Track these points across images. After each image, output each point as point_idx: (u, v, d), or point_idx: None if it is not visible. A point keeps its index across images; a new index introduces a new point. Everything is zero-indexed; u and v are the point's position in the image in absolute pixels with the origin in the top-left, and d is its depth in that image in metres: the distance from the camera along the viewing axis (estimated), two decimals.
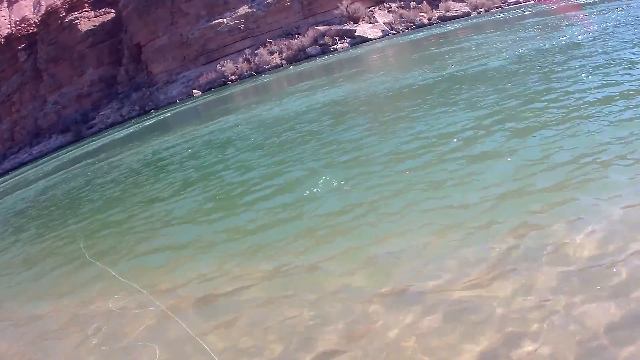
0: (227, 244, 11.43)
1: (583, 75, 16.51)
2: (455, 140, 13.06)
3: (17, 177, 64.05)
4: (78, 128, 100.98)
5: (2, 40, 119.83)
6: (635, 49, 18.27)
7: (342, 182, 12.48)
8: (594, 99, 13.41)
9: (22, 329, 10.89)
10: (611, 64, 16.91)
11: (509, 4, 75.92)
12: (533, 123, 12.56)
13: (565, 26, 31.51)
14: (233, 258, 10.46)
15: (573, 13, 38.79)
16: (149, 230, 14.84)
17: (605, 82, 14.88)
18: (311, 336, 6.98)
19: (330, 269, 8.63)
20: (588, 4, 42.56)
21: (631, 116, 11.09)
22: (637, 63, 16.08)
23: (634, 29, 22.95)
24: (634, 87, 13.25)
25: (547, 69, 18.87)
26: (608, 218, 7.41)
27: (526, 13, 52.20)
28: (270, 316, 7.82)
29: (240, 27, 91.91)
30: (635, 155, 9.05)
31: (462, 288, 6.76)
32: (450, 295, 6.68)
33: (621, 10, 30.88)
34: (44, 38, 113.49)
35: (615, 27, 25.02)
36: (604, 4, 37.62)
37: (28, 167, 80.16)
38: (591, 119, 11.67)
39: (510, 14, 57.08)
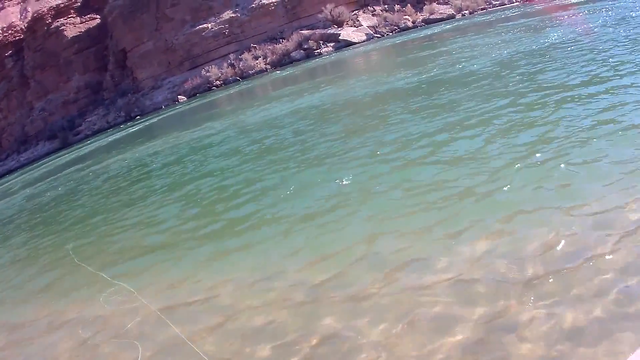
0: (214, 246, 11.75)
1: (563, 76, 16.93)
2: (430, 143, 13.65)
3: (5, 185, 63.93)
4: (65, 134, 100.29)
5: None
6: (620, 49, 18.59)
7: (331, 182, 12.96)
8: (573, 98, 13.99)
9: (6, 332, 11.04)
10: (593, 64, 17.27)
11: (494, 6, 76.53)
12: (513, 124, 13.02)
13: (550, 27, 31.74)
14: (220, 260, 10.84)
15: (558, 14, 38.95)
16: (135, 234, 15.17)
17: (587, 81, 15.40)
18: (300, 340, 7.03)
19: (316, 271, 8.75)
20: (574, 4, 43.22)
21: (614, 116, 11.38)
22: (624, 63, 16.16)
23: (619, 29, 23.18)
24: (618, 85, 13.76)
25: (527, 71, 19.28)
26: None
27: (511, 15, 52.62)
28: (259, 318, 7.95)
29: (224, 32, 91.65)
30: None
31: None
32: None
33: (607, 10, 31.14)
34: (30, 44, 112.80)
35: (600, 27, 25.36)
36: (590, 4, 38.13)
37: (16, 174, 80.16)
38: (567, 118, 12.13)
39: (494, 16, 57.53)
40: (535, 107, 13.92)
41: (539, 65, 19.81)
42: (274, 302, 8.22)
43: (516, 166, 10.35)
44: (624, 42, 19.93)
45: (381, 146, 14.87)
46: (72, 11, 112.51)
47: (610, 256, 6.67)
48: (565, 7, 42.99)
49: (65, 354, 9.03)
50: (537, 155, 10.50)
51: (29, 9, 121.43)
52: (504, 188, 9.59)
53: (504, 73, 20.31)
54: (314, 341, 6.88)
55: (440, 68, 26.30)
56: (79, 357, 8.85)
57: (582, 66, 17.44)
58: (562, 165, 9.70)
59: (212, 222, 13.64)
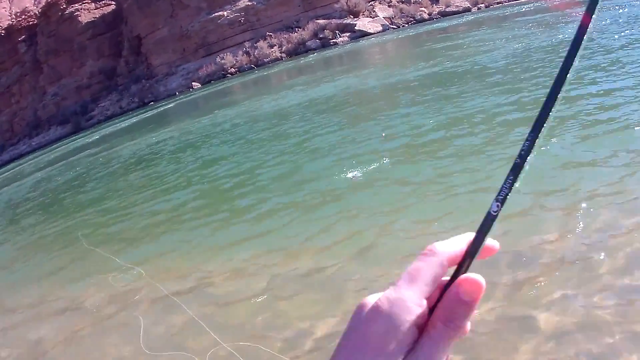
0: (222, 232, 11.91)
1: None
2: (440, 135, 13.82)
3: (17, 169, 64.11)
4: (77, 119, 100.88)
5: (3, 31, 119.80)
6: (629, 49, 18.35)
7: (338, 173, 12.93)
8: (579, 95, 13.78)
9: (18, 311, 11.33)
10: (603, 62, 16.99)
11: (509, 0, 75.58)
12: (521, 117, 13.12)
13: (563, 23, 31.60)
14: (227, 246, 10.97)
15: (573, 10, 37.92)
16: (144, 219, 15.36)
17: (591, 80, 15.13)
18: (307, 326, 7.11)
19: (322, 258, 8.93)
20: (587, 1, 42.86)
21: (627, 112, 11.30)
22: (630, 63, 16.10)
23: (632, 28, 23.01)
24: (625, 85, 13.69)
25: (538, 66, 19.26)
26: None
27: (526, 10, 52.09)
28: (264, 303, 8.05)
29: (240, 20, 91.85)
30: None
31: None
32: None
33: (622, 8, 30.82)
34: (44, 30, 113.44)
35: (611, 24, 25.08)
36: (604, 1, 37.30)
37: (27, 158, 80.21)
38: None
39: (510, 10, 57.01)
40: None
41: (550, 61, 19.78)
42: (282, 289, 8.34)
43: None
44: (633, 40, 19.96)
45: (390, 138, 14.90)
46: None
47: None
48: (579, 4, 42.72)
49: (73, 328, 9.34)
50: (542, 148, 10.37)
51: None
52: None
53: (515, 68, 20.32)
54: (317, 328, 7.00)
55: (454, 61, 26.33)
56: (86, 330, 9.15)
57: (591, 64, 17.29)
58: (569, 155, 9.83)
59: (219, 209, 13.95)
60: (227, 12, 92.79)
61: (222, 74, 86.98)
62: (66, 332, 9.30)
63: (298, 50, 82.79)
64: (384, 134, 15.12)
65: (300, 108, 26.41)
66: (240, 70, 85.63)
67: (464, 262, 0.93)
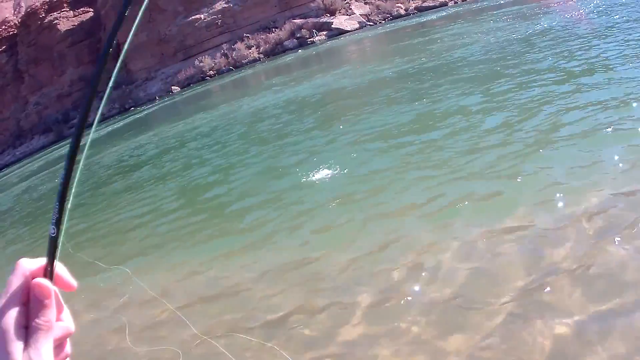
0: (202, 230, 12.43)
1: (545, 62, 17.61)
2: (412, 129, 14.43)
3: (1, 179, 64.88)
4: (60, 128, 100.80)
5: None
6: (609, 38, 18.68)
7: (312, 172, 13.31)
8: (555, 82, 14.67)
9: None
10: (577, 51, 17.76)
11: None
12: (498, 111, 13.40)
13: (541, 14, 31.56)
14: (208, 242, 11.59)
15: (549, 1, 38.58)
16: (128, 224, 15.84)
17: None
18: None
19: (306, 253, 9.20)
20: None
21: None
22: (605, 52, 16.63)
23: (609, 16, 23.13)
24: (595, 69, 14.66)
25: (512, 59, 19.84)
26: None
27: (502, 2, 52.06)
28: (252, 299, 8.30)
29: (217, 23, 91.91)
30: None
31: None
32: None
33: None
34: (24, 39, 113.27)
35: (591, 14, 25.53)
36: None
37: (12, 168, 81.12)
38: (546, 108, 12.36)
39: (487, 3, 57.18)
40: (522, 94, 14.24)
41: (525, 53, 20.14)
42: (269, 284, 8.54)
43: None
44: (612, 30, 20.05)
45: (365, 135, 15.30)
46: (65, 5, 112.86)
47: None
48: None
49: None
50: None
51: (22, 4, 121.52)
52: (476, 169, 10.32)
53: (489, 61, 20.71)
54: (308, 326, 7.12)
55: (430, 56, 26.60)
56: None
57: (567, 53, 17.82)
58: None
59: (199, 209, 14.42)
60: (204, 15, 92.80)
61: (201, 77, 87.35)
62: None
63: (276, 51, 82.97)
64: (341, 127, 15.96)
65: (277, 108, 26.92)
66: (219, 73, 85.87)
67: (46, 274, 1.16)
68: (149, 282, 10.07)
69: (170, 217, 14.75)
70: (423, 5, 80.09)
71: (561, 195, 8.11)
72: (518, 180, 9.08)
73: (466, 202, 8.81)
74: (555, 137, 10.44)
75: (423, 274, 7.13)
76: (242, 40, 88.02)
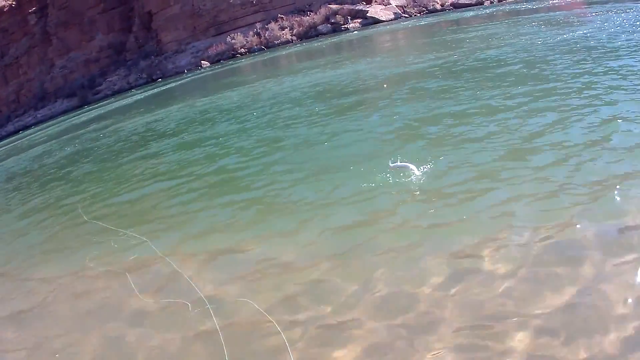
0: (218, 204, 12.57)
1: (568, 70, 17.38)
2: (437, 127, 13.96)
3: (20, 140, 64.82)
4: (84, 93, 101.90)
5: (13, 2, 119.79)
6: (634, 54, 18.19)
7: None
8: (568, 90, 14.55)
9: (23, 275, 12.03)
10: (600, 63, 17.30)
11: None
12: (529, 111, 13.10)
13: (574, 23, 31.18)
14: (225, 213, 11.68)
15: (583, 10, 38.71)
16: (144, 192, 15.98)
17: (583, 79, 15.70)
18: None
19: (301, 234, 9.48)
20: (600, 2, 42.16)
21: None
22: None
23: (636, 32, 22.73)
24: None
25: (543, 64, 19.28)
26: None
27: (538, 6, 52.22)
28: (258, 267, 8.71)
29: (252, 1, 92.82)
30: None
31: None
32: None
33: (629, 11, 30.70)
34: (54, 2, 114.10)
35: (617, 27, 25.08)
36: (616, 4, 37.28)
37: (32, 130, 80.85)
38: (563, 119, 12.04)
39: (522, 6, 57.16)
40: (543, 99, 14.06)
41: (550, 60, 19.71)
42: (275, 258, 8.84)
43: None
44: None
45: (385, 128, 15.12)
46: None
47: None
48: (591, 4, 42.11)
49: (70, 285, 10.37)
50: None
51: None
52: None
53: (519, 64, 20.32)
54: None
55: (461, 54, 26.43)
56: (78, 287, 10.18)
57: (592, 66, 17.26)
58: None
59: (217, 184, 14.58)
60: None
61: (232, 54, 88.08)
62: (67, 291, 10.21)
63: (309, 34, 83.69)
64: (385, 85, 15.64)
65: (306, 93, 26.50)
66: (250, 51, 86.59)
67: None
68: (160, 245, 10.41)
69: (185, 187, 14.89)
70: (459, 2, 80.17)
71: None
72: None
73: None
74: None
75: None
76: (276, 21, 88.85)
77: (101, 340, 7.99)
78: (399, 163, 10.26)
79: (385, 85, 15.86)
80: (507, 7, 60.74)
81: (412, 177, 10.09)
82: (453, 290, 6.67)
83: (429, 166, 10.51)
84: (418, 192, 9.64)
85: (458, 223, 8.19)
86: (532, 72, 18.41)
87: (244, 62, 73.20)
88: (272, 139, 18.05)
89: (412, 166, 10.15)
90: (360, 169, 11.73)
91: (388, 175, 10.55)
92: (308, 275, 7.91)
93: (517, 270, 6.67)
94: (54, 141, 44.91)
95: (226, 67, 71.40)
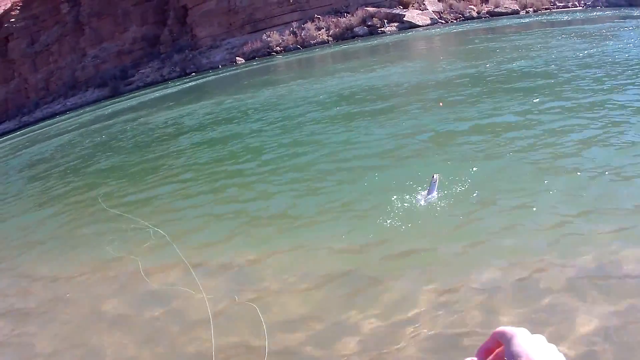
0: (239, 204, 13.23)
1: (595, 82, 18.19)
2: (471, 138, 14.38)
3: (48, 128, 65.89)
4: (116, 84, 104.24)
5: None
6: None
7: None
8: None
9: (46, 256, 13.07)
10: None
11: (558, 7, 78.87)
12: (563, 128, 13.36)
13: (608, 36, 32.05)
14: (238, 210, 12.64)
15: (616, 24, 39.63)
16: (163, 184, 17.03)
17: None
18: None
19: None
20: (634, 16, 43.35)
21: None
22: None
23: None
24: None
25: (575, 79, 19.75)
26: None
27: (572, 19, 53.62)
28: (258, 264, 9.52)
29: (289, 0, 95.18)
30: None
31: None
32: None
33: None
34: None
35: None
36: None
37: (60, 118, 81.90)
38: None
39: (557, 17, 58.35)
40: (574, 116, 14.41)
41: (583, 74, 20.10)
42: (281, 252, 9.73)
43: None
44: None
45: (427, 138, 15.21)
46: None
47: None
48: (624, 18, 43.87)
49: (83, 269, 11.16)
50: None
51: None
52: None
53: (549, 78, 20.64)
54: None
55: (493, 64, 26.80)
56: (94, 272, 10.92)
57: (617, 83, 17.65)
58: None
59: (239, 182, 15.20)
60: None
61: (267, 51, 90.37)
62: (79, 271, 11.11)
63: (345, 35, 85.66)
64: (441, 103, 15.68)
65: (339, 97, 26.63)
66: (286, 50, 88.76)
67: None
68: (172, 236, 11.16)
69: (205, 185, 15.63)
70: (495, 10, 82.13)
71: None
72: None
73: None
74: None
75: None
76: (313, 21, 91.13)
77: (110, 318, 8.94)
78: (434, 184, 10.09)
79: (440, 104, 15.82)
80: (542, 18, 61.95)
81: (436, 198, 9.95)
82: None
83: (457, 187, 10.42)
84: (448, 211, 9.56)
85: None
86: (562, 86, 18.58)
87: (278, 60, 74.84)
88: (295, 142, 18.50)
89: (435, 194, 9.99)
90: (381, 181, 12.07)
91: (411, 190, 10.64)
92: (316, 294, 8.12)
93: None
94: (81, 130, 46.61)
95: (261, 65, 72.47)
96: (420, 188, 10.60)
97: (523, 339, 1.38)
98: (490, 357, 1.49)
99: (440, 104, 15.53)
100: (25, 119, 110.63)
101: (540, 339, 1.39)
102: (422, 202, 9.87)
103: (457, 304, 6.89)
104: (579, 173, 10.26)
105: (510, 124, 14.74)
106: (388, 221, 9.60)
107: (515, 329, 1.41)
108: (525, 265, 7.49)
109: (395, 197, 10.45)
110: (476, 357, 1.50)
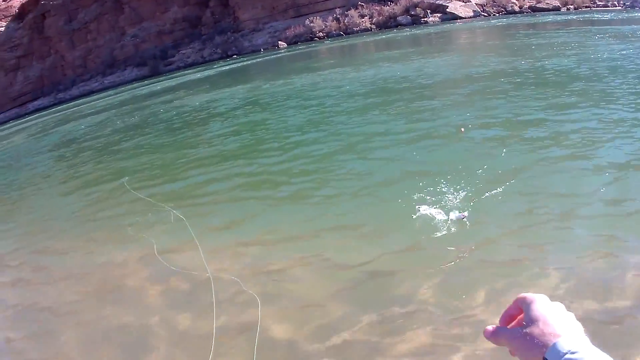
0: (263, 193, 13.56)
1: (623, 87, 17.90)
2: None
3: (83, 106, 67.35)
4: (155, 63, 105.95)
5: None
6: None
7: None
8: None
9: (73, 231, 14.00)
10: None
11: (597, 5, 79.16)
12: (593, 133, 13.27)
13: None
14: (260, 198, 12.99)
15: None
16: (189, 168, 17.50)
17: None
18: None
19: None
20: None
21: None
22: None
23: None
24: None
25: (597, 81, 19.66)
26: None
27: (612, 18, 53.92)
28: (276, 248, 9.89)
29: None
30: None
31: None
32: None
33: None
34: None
35: None
36: None
37: (97, 96, 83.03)
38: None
39: (597, 16, 58.49)
40: (608, 121, 14.09)
41: (610, 81, 19.42)
42: (301, 239, 10.05)
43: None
44: None
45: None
46: None
47: None
48: None
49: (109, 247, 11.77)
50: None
51: None
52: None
53: (582, 80, 20.31)
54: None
55: (529, 61, 26.66)
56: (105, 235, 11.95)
57: None
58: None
59: (267, 171, 15.32)
60: None
61: (309, 37, 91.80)
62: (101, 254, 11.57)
63: (388, 24, 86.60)
64: (462, 129, 15.14)
65: (383, 86, 26.44)
66: (329, 36, 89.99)
67: None
68: (190, 220, 11.61)
69: (235, 173, 15.76)
70: (537, 5, 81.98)
71: None
72: None
73: None
74: None
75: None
76: (356, 8, 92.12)
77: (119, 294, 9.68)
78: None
79: (462, 130, 14.81)
80: (582, 16, 61.89)
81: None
82: None
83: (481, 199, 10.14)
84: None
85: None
86: (594, 89, 18.31)
87: (321, 46, 75.71)
88: (321, 132, 19.00)
89: (455, 216, 9.49)
90: (401, 176, 12.28)
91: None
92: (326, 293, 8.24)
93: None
94: (115, 110, 47.54)
95: (303, 50, 73.56)
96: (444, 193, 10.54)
97: (542, 304, 1.53)
98: (513, 322, 1.63)
99: (462, 129, 14.86)
100: (60, 95, 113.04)
101: (559, 306, 1.53)
102: (453, 218, 9.44)
103: (460, 305, 7.15)
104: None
105: (546, 126, 14.54)
106: (403, 221, 9.80)
107: (536, 295, 1.56)
108: (532, 265, 7.86)
109: (416, 196, 10.56)
110: (500, 323, 1.65)
